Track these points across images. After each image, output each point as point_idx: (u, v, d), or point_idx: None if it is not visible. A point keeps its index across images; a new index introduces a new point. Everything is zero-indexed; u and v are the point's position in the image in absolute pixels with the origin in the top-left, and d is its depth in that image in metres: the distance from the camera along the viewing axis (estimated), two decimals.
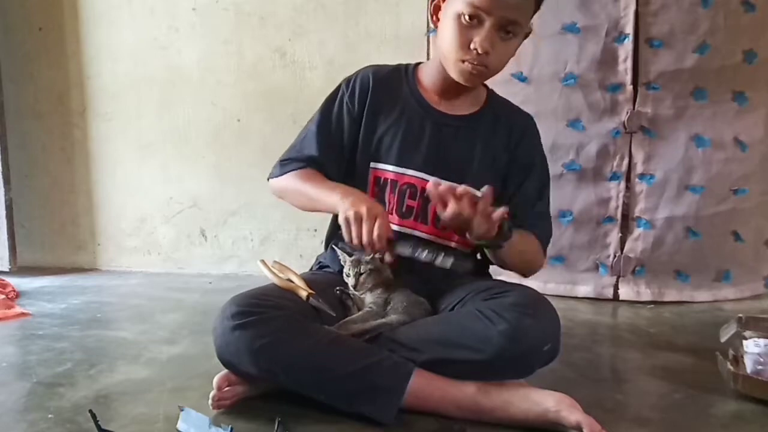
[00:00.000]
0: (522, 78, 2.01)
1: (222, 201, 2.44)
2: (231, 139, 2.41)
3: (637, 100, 1.96)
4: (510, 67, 1.98)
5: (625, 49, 1.94)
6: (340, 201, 1.13)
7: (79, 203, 2.54)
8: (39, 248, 2.54)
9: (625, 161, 1.99)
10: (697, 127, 1.96)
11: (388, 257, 1.19)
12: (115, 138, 2.49)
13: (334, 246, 1.30)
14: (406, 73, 1.32)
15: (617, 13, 1.93)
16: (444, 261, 1.13)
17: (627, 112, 1.96)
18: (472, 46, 1.14)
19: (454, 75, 1.20)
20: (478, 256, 1.35)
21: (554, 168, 2.02)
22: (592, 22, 1.95)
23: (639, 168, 1.99)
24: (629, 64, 1.95)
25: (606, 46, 1.95)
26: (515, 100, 1.94)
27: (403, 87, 1.30)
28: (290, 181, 1.28)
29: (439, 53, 1.23)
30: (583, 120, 1.99)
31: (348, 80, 1.32)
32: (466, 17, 1.13)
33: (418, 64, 1.34)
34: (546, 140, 1.98)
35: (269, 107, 2.36)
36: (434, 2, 1.23)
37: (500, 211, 1.06)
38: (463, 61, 1.17)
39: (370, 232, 1.08)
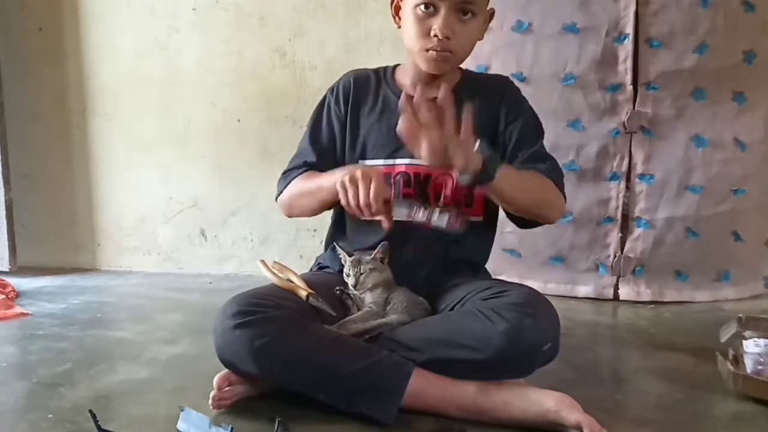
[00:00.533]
0: (522, 78, 2.01)
1: (222, 201, 2.44)
2: (231, 139, 2.41)
3: (637, 100, 1.96)
4: (510, 67, 2.01)
5: (625, 50, 1.94)
6: (340, 175, 1.13)
7: (79, 203, 2.54)
8: (39, 248, 2.54)
9: (625, 161, 1.99)
10: (696, 127, 1.96)
11: (385, 223, 1.16)
12: (115, 138, 2.49)
13: (335, 244, 1.31)
14: (384, 74, 1.36)
15: (617, 13, 1.93)
16: (440, 219, 1.10)
17: (627, 113, 1.97)
18: (432, 33, 1.17)
19: (423, 65, 1.22)
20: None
21: None
22: (592, 23, 1.95)
23: (639, 168, 1.99)
24: (629, 64, 1.95)
25: (606, 47, 1.95)
26: None
27: (382, 86, 1.33)
28: (293, 188, 1.30)
29: (407, 50, 1.26)
30: (583, 120, 1.99)
31: (332, 88, 1.36)
32: (422, 7, 1.17)
33: (397, 65, 1.36)
34: (546, 141, 2.00)
35: (269, 107, 2.36)
36: (394, 4, 1.26)
37: (467, 119, 1.00)
38: (428, 50, 1.19)
39: (366, 193, 1.07)
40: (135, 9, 2.41)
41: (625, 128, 1.97)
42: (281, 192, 1.33)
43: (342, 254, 1.27)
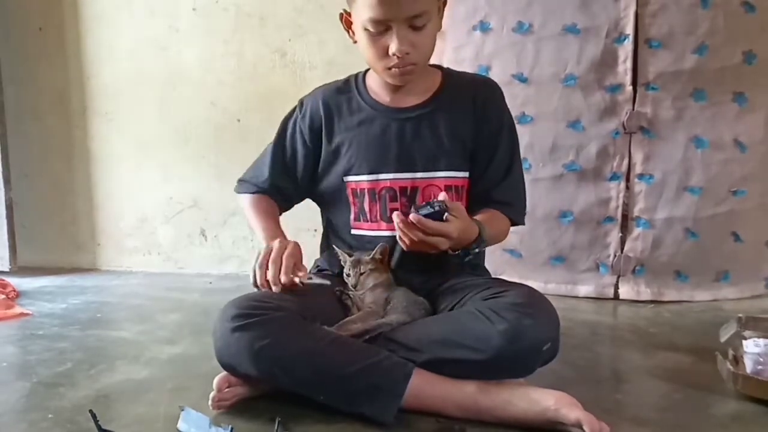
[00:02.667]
0: (522, 79, 2.01)
1: (222, 201, 2.44)
2: (231, 139, 2.41)
3: (637, 100, 1.96)
4: (510, 68, 2.01)
5: (625, 50, 1.94)
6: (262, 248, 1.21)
7: (79, 203, 2.54)
8: (39, 248, 2.54)
9: (625, 161, 1.99)
10: (696, 128, 1.96)
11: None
12: (115, 138, 2.49)
13: (334, 246, 1.31)
14: (356, 83, 1.34)
15: (617, 14, 1.93)
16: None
17: (626, 113, 1.97)
18: (390, 53, 1.15)
19: (389, 81, 1.23)
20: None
21: (554, 168, 2.03)
22: (593, 23, 1.95)
23: (638, 168, 1.99)
24: (629, 64, 1.94)
25: (606, 47, 1.95)
26: (516, 101, 1.98)
27: (354, 97, 1.32)
28: (243, 203, 1.39)
29: (368, 65, 1.25)
30: (583, 121, 1.99)
31: (302, 102, 1.37)
32: (371, 28, 1.15)
33: (367, 70, 1.34)
34: (546, 141, 2.01)
35: (269, 107, 2.36)
36: (344, 19, 1.24)
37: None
38: (390, 68, 1.18)
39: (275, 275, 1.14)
40: (135, 9, 2.41)
41: (625, 129, 1.97)
42: (237, 192, 1.41)
43: (342, 255, 1.27)
